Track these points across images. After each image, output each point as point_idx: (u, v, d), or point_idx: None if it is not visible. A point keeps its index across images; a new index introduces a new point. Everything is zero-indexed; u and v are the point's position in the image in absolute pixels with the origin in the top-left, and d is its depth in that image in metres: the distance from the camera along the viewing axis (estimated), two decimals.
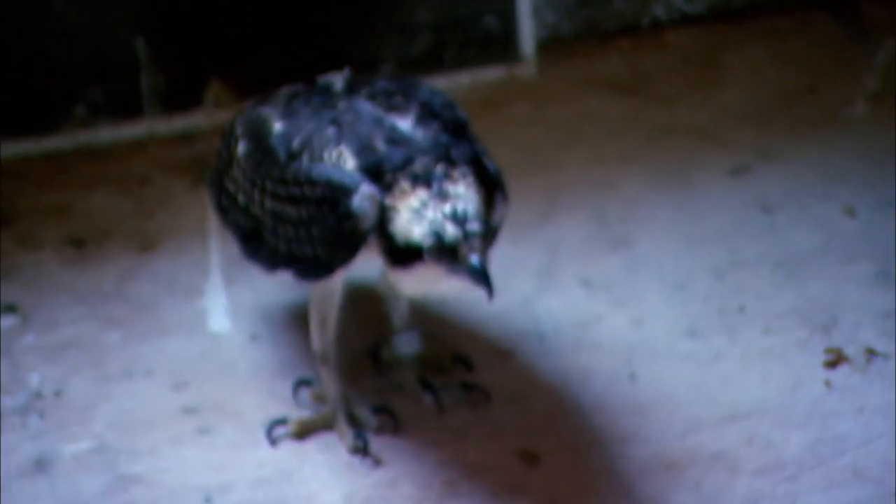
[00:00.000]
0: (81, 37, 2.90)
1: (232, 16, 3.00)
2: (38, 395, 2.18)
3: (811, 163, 2.84)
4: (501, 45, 3.24)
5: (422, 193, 1.75)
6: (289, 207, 1.86)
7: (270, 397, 2.10)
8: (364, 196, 1.73)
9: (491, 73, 3.18)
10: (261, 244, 1.93)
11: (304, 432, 1.97)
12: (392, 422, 2.06)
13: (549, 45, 3.33)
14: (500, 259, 2.03)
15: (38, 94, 2.90)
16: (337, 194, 1.76)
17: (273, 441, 1.97)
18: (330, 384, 1.99)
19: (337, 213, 1.76)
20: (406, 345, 2.16)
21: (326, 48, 3.02)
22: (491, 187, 1.84)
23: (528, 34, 3.22)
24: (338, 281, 1.95)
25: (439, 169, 1.78)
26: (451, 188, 1.75)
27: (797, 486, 2.04)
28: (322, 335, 1.96)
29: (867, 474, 2.04)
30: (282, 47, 2.98)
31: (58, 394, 2.15)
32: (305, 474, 1.94)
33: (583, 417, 2.19)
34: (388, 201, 1.73)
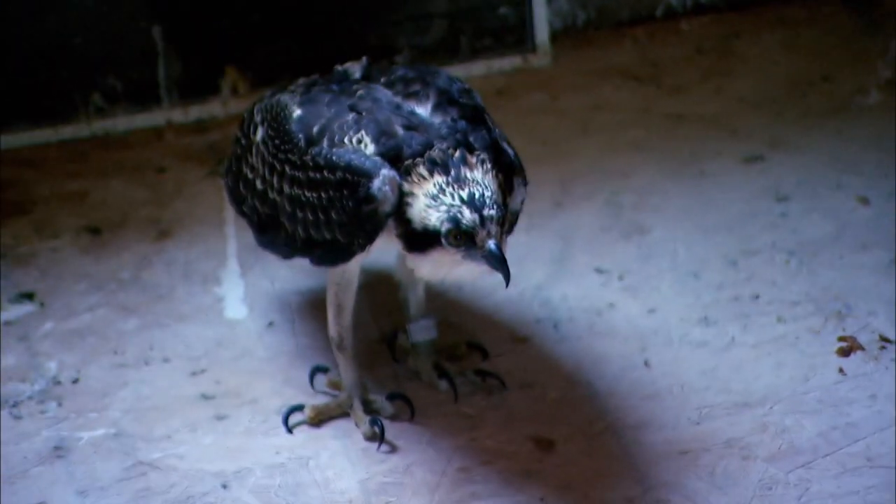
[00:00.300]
0: (98, 25, 2.92)
1: (248, 4, 3.01)
2: (56, 381, 2.20)
3: (824, 152, 2.86)
4: (516, 35, 3.28)
5: (439, 179, 1.77)
6: (308, 191, 1.86)
7: (287, 384, 2.11)
8: (384, 180, 1.75)
9: (505, 63, 3.21)
10: (277, 231, 1.94)
11: (320, 419, 1.98)
12: (408, 408, 2.05)
13: (563, 35, 3.36)
14: (514, 247, 2.07)
15: (55, 82, 2.93)
16: (357, 178, 1.77)
17: (289, 428, 1.98)
18: (346, 370, 1.99)
19: (357, 196, 1.77)
20: (422, 332, 2.15)
21: (342, 37, 3.03)
22: (510, 172, 1.85)
23: (542, 23, 3.26)
24: (355, 267, 1.94)
25: (457, 154, 1.77)
26: (468, 174, 1.76)
27: (810, 473, 2.03)
28: (338, 322, 1.96)
29: (880, 461, 2.04)
30: (298, 36, 2.99)
31: (75, 381, 2.17)
32: (321, 461, 1.95)
33: (597, 404, 2.20)
34: (406, 187, 1.74)
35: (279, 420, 2.05)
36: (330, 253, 1.89)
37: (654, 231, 2.60)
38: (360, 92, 2.00)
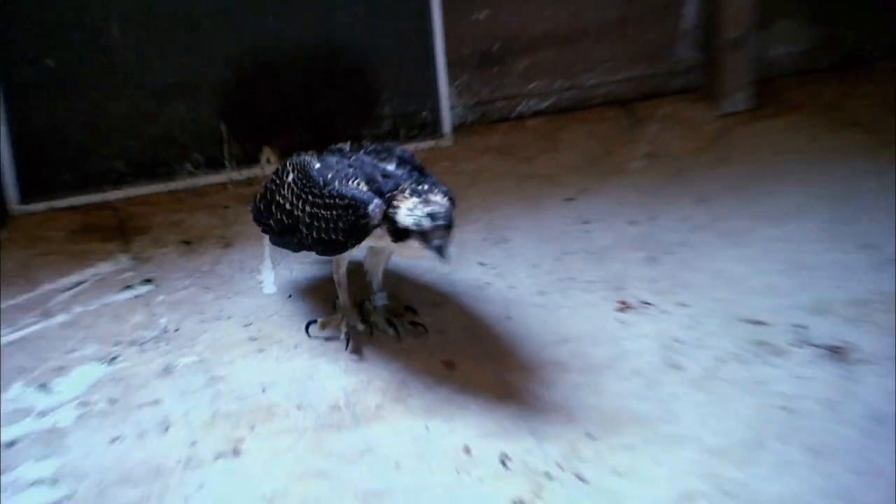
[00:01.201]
0: (189, 123, 2.99)
1: (276, 111, 3.09)
2: (165, 330, 2.27)
3: (610, 195, 2.89)
4: (432, 128, 3.31)
5: (415, 199, 1.94)
6: (324, 211, 2.03)
7: (299, 332, 2.20)
8: (375, 206, 1.93)
9: (426, 144, 3.23)
10: (293, 235, 2.10)
11: (324, 327, 2.17)
12: (369, 330, 2.20)
13: (460, 128, 3.36)
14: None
15: (164, 156, 2.98)
16: (359, 204, 1.94)
17: (309, 334, 2.19)
18: (343, 299, 2.19)
19: (358, 214, 1.94)
20: (379, 300, 2.28)
21: (332, 129, 3.06)
22: (451, 200, 2.01)
23: (447, 122, 3.28)
24: (346, 256, 2.12)
25: (426, 187, 1.98)
26: (432, 198, 1.95)
27: (601, 378, 2.06)
28: (338, 275, 2.15)
29: (645, 371, 2.05)
30: (306, 128, 3.07)
31: (176, 329, 2.25)
32: (320, 375, 2.04)
33: (482, 341, 2.22)
34: (394, 203, 1.91)
35: (298, 351, 2.16)
36: (333, 247, 2.05)
37: (513, 241, 2.64)
38: (352, 157, 2.16)
